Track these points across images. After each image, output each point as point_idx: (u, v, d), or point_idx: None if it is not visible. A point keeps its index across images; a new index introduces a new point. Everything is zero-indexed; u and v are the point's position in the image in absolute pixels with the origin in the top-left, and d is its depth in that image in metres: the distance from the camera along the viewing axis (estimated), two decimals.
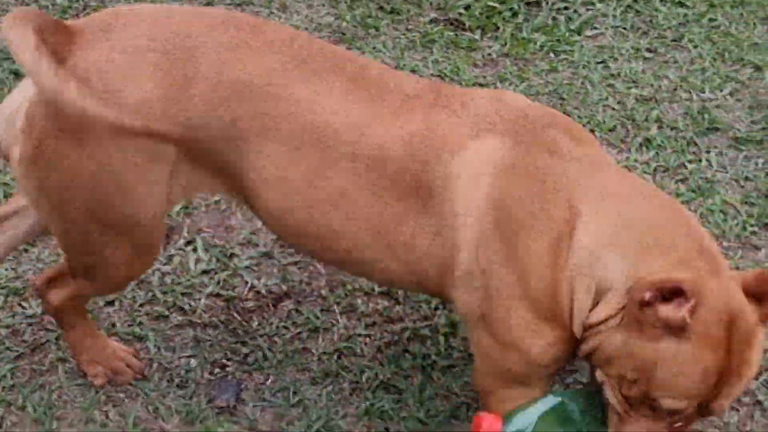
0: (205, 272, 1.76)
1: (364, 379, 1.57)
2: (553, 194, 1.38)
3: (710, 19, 2.49)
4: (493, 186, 1.39)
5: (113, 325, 1.62)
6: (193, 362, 1.60)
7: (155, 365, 1.58)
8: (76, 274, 1.55)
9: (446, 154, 1.38)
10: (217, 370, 1.61)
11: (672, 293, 1.21)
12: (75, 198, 1.42)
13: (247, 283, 1.76)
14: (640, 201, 1.40)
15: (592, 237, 1.35)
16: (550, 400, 1.50)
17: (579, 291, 1.36)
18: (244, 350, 1.64)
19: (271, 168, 1.42)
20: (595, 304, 1.34)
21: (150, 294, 1.70)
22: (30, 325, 1.61)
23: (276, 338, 1.66)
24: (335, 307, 1.72)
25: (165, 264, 1.76)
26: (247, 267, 1.79)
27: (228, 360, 1.61)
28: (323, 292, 1.75)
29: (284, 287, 1.75)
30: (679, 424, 1.37)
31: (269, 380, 1.58)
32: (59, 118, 1.32)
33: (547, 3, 2.47)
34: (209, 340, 1.65)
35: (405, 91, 1.43)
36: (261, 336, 1.65)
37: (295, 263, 1.79)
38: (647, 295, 1.22)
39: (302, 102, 1.40)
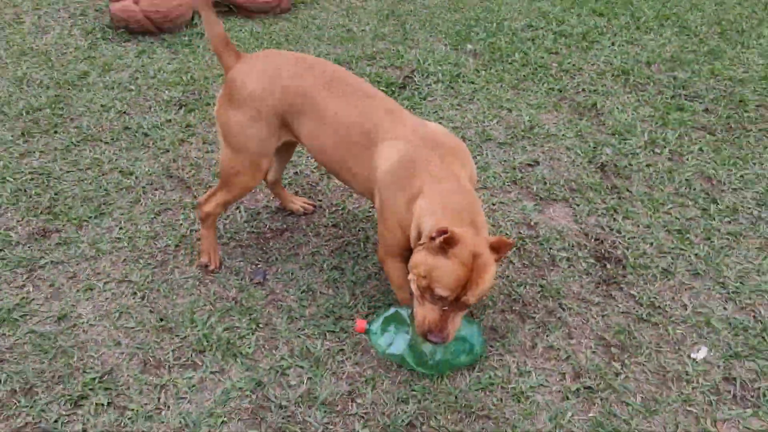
0: (246, 221, 2.79)
1: (326, 266, 2.56)
2: (417, 178, 2.03)
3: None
4: (394, 161, 2.07)
5: None
6: (241, 263, 2.56)
7: (224, 266, 2.55)
8: (222, 187, 2.38)
9: (381, 139, 2.10)
10: (253, 265, 2.55)
11: (443, 232, 1.84)
12: (232, 136, 2.28)
13: (266, 225, 2.77)
14: (453, 195, 2.01)
15: (424, 206, 2.00)
16: (391, 310, 2.18)
17: (414, 228, 2.02)
18: (267, 255, 2.60)
19: (306, 130, 2.22)
20: (419, 235, 1.99)
21: (219, 232, 2.62)
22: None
23: (282, 249, 2.63)
24: (311, 235, 2.73)
25: (227, 218, 2.80)
26: (267, 216, 2.82)
27: (259, 261, 2.58)
28: (306, 229, 2.78)
29: (284, 226, 2.79)
30: (446, 308, 1.93)
31: (279, 269, 2.54)
32: (230, 96, 2.25)
33: (409, 87, 3.71)
34: (250, 252, 2.62)
35: (370, 98, 2.18)
36: (275, 248, 2.64)
37: (288, 217, 2.89)
38: (434, 233, 1.86)
39: (320, 103, 2.17)
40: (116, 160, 3.18)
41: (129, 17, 4.41)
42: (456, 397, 2.09)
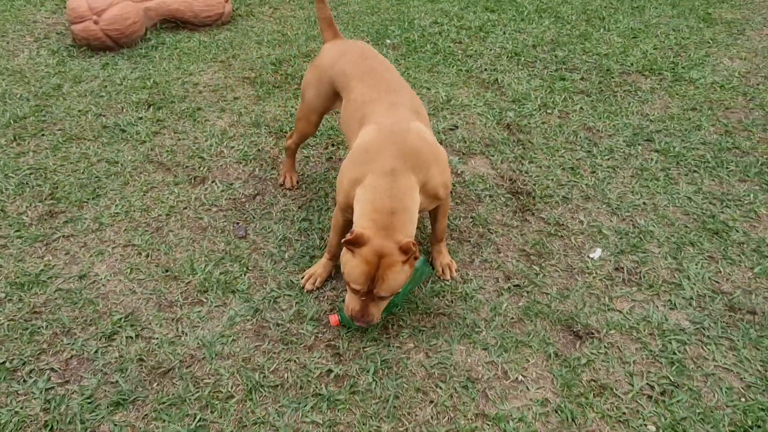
0: (222, 191, 2.93)
1: (296, 219, 2.75)
2: (366, 166, 2.02)
3: None
4: (360, 141, 2.12)
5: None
6: (225, 224, 2.71)
7: (210, 227, 2.71)
8: (296, 130, 2.77)
9: (367, 123, 2.15)
10: (235, 224, 2.71)
11: (360, 240, 1.87)
12: (304, 89, 2.64)
13: (240, 192, 2.92)
14: (383, 197, 1.95)
15: (359, 197, 2.00)
16: None
17: (354, 210, 2.02)
18: (245, 216, 2.76)
19: (342, 103, 2.42)
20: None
21: (201, 203, 2.84)
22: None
23: (257, 210, 2.79)
24: (279, 197, 2.91)
25: (206, 190, 2.96)
26: (239, 186, 2.97)
27: (238, 221, 2.73)
28: (275, 192, 2.98)
29: (256, 192, 2.95)
30: (363, 298, 1.95)
31: (257, 226, 2.71)
32: (315, 61, 2.61)
33: None
34: (230, 215, 2.77)
35: (387, 100, 2.20)
36: (250, 210, 2.80)
37: (259, 185, 3.11)
38: (348, 237, 1.89)
39: (352, 84, 2.33)
40: (101, 152, 3.25)
41: (90, 36, 4.42)
42: (417, 304, 2.34)
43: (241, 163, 3.17)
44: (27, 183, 3.00)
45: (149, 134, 3.40)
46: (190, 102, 3.73)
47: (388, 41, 4.56)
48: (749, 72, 4.10)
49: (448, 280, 2.42)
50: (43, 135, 3.40)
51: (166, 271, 2.48)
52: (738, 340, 2.15)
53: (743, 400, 1.95)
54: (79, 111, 3.63)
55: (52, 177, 3.05)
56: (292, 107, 3.67)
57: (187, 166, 3.13)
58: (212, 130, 3.44)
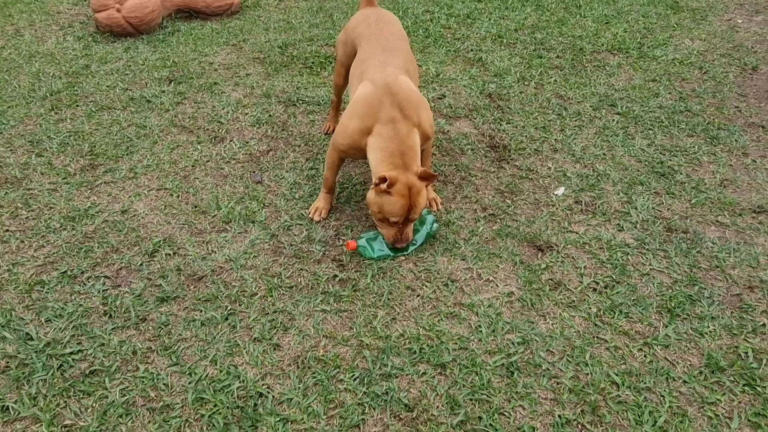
0: (239, 147, 3.37)
1: (304, 168, 3.19)
2: (371, 118, 2.40)
3: None
4: (359, 95, 2.48)
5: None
6: (243, 173, 3.13)
7: (230, 175, 3.22)
8: (333, 82, 3.22)
9: (364, 77, 2.53)
10: (251, 172, 3.14)
11: (383, 179, 2.28)
12: (337, 49, 3.09)
13: (255, 148, 3.36)
14: (391, 140, 2.35)
15: (372, 144, 2.40)
16: (369, 233, 2.57)
17: (368, 155, 2.45)
18: (260, 166, 3.18)
19: (353, 65, 2.77)
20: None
21: (221, 158, 3.35)
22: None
23: (270, 162, 3.22)
24: (289, 151, 3.42)
25: (226, 148, 3.45)
26: (254, 143, 3.42)
27: (254, 170, 3.15)
28: (285, 148, 3.50)
29: (269, 147, 3.44)
30: (399, 227, 2.40)
31: (270, 174, 3.13)
32: (345, 27, 3.03)
33: None
34: (247, 166, 3.19)
35: (381, 59, 2.58)
36: (264, 162, 3.23)
37: (271, 146, 3.57)
38: (377, 180, 2.29)
39: (362, 43, 2.77)
40: (131, 119, 3.71)
41: (113, 23, 4.88)
42: None
43: (254, 126, 3.63)
44: (67, 143, 3.45)
45: (172, 104, 3.85)
46: (207, 78, 4.20)
47: None
48: (707, 50, 4.58)
49: (434, 212, 2.83)
50: (77, 106, 3.86)
51: (195, 207, 2.93)
52: (671, 251, 2.61)
53: (670, 291, 2.41)
54: (108, 86, 4.09)
55: (89, 138, 3.50)
56: (298, 82, 4.13)
57: (207, 129, 3.59)
58: (228, 100, 3.90)
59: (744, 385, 2.02)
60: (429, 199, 2.85)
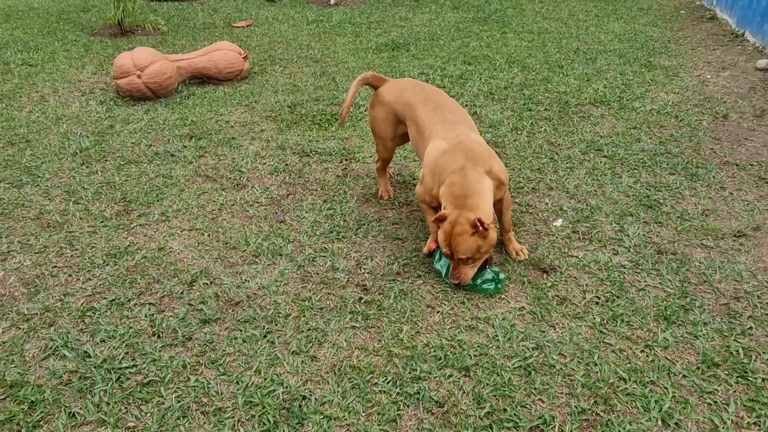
0: (261, 193, 3.71)
1: (323, 209, 3.57)
2: (444, 173, 2.63)
3: None
4: (434, 154, 2.73)
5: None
6: (266, 214, 3.41)
7: (254, 216, 3.53)
8: (378, 157, 3.42)
9: (432, 138, 2.82)
10: (276, 213, 3.41)
11: (442, 217, 2.53)
12: (375, 125, 3.29)
13: (276, 192, 3.68)
14: (455, 185, 2.56)
15: (442, 192, 2.63)
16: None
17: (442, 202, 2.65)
18: (282, 208, 3.44)
19: (408, 127, 3.08)
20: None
21: (246, 202, 3.67)
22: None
23: (291, 204, 3.48)
24: (308, 195, 3.77)
25: (248, 193, 3.77)
26: (275, 188, 3.71)
27: (277, 211, 3.43)
28: (304, 192, 3.80)
29: (288, 192, 3.79)
30: (455, 262, 2.59)
31: (291, 215, 3.49)
32: (375, 102, 3.27)
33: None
34: (270, 209, 3.45)
35: (445, 118, 2.86)
36: (285, 204, 3.53)
37: (291, 188, 3.85)
38: (436, 215, 2.57)
39: (416, 111, 3.01)
40: (157, 170, 4.00)
41: (133, 88, 5.26)
42: (424, 260, 3.05)
43: (273, 174, 3.93)
44: (101, 192, 3.72)
45: (195, 157, 4.16)
46: (224, 134, 4.53)
47: None
48: (681, 102, 5.01)
49: (521, 260, 2.93)
50: (106, 160, 4.15)
51: (226, 243, 3.18)
52: (663, 270, 2.89)
53: (665, 302, 2.67)
54: (133, 143, 4.40)
55: (120, 188, 3.77)
56: (309, 136, 4.47)
57: (229, 178, 3.88)
58: (246, 153, 4.22)
59: (738, 377, 2.25)
60: (515, 249, 2.94)
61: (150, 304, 2.71)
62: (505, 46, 6.67)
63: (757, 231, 3.19)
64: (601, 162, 3.99)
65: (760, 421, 2.06)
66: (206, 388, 2.23)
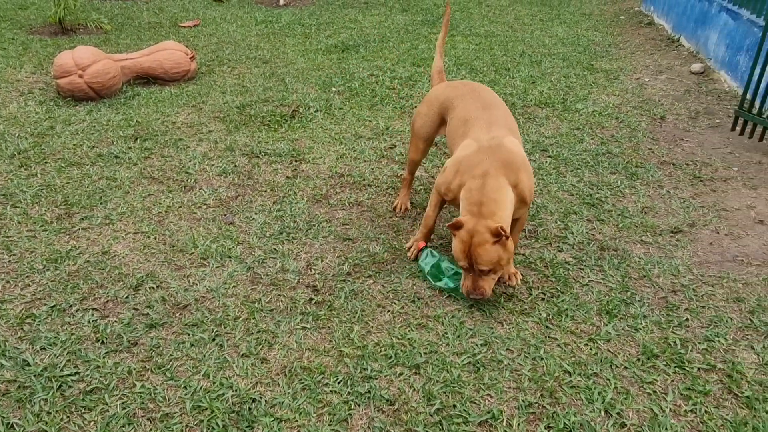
0: (209, 195, 3.70)
1: (273, 210, 3.56)
2: (467, 174, 2.51)
3: None
4: (462, 154, 2.61)
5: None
6: (215, 216, 3.41)
7: (203, 218, 3.47)
8: (408, 160, 3.25)
9: (468, 135, 2.67)
10: (224, 215, 3.34)
11: (458, 224, 2.39)
12: (416, 122, 3.14)
13: (225, 194, 3.66)
14: (475, 191, 2.43)
15: (462, 195, 2.49)
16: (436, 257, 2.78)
17: (461, 204, 2.50)
18: (230, 210, 3.39)
19: (450, 124, 2.88)
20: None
21: (195, 202, 3.61)
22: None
23: (240, 206, 3.43)
24: (257, 196, 3.73)
25: (196, 194, 3.70)
26: (223, 189, 3.69)
27: (226, 213, 3.40)
28: (253, 194, 3.76)
29: (237, 194, 3.75)
30: (471, 274, 2.44)
31: (240, 216, 3.43)
32: (425, 100, 3.14)
33: (297, 116, 4.75)
34: (218, 210, 3.38)
35: (485, 118, 2.70)
36: (234, 206, 3.48)
37: (238, 194, 3.80)
38: (450, 223, 2.42)
39: (457, 105, 2.89)
40: (101, 173, 3.88)
41: (75, 88, 5.08)
42: (373, 257, 3.05)
43: (221, 175, 3.86)
44: (41, 195, 3.58)
45: (140, 158, 4.06)
46: (171, 135, 4.43)
47: (333, 89, 5.44)
48: (621, 104, 5.18)
49: (513, 287, 2.76)
50: (46, 162, 4.00)
51: (173, 246, 3.11)
52: (605, 266, 2.98)
53: (607, 297, 2.75)
54: (74, 144, 4.26)
55: (62, 191, 3.64)
56: (258, 137, 4.42)
57: (176, 179, 3.80)
58: (194, 154, 4.14)
59: (675, 367, 2.34)
60: (509, 273, 2.74)
61: (93, 309, 2.62)
62: (453, 48, 6.76)
63: (693, 227, 3.33)
64: (546, 162, 4.08)
65: (696, 409, 2.15)
66: (153, 394, 2.17)
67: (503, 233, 2.32)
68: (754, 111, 4.44)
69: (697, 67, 6.07)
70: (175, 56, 5.50)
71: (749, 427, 2.07)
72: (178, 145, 4.25)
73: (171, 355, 2.36)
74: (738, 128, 4.59)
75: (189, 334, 2.48)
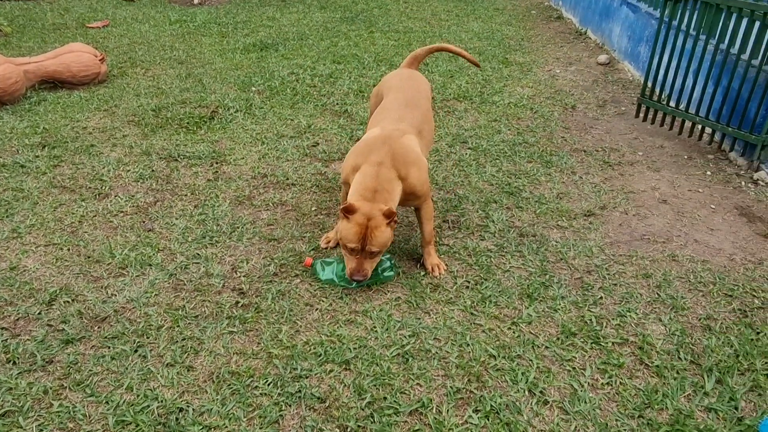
0: (125, 201, 3.58)
1: (194, 214, 3.49)
2: (363, 158, 2.59)
3: None
4: (366, 138, 2.72)
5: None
6: (133, 222, 3.25)
7: (119, 226, 3.34)
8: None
9: (377, 124, 2.80)
10: (143, 222, 3.24)
11: (352, 209, 2.43)
12: (372, 103, 3.28)
13: (143, 200, 3.56)
14: (369, 177, 2.51)
15: (356, 179, 2.55)
16: (328, 259, 2.79)
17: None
18: (149, 216, 3.28)
19: (375, 112, 2.99)
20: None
21: (109, 211, 3.48)
22: None
23: (159, 211, 3.34)
24: (176, 201, 3.63)
25: (111, 203, 3.56)
26: (141, 195, 3.60)
27: (145, 220, 3.32)
28: (172, 198, 3.65)
29: (155, 199, 3.64)
30: (358, 256, 2.49)
31: (161, 222, 3.33)
32: (376, 89, 3.25)
33: (217, 117, 4.66)
34: (137, 216, 3.27)
35: (399, 114, 2.83)
36: (153, 212, 3.38)
37: (156, 200, 3.68)
38: (343, 206, 2.46)
39: (386, 95, 3.05)
40: (5, 184, 3.65)
41: None
42: (300, 256, 3.03)
43: (138, 181, 3.72)
44: None
45: (49, 167, 3.85)
46: (82, 141, 4.23)
47: (253, 89, 5.35)
48: (535, 95, 5.36)
49: (437, 277, 2.82)
50: None
51: (88, 257, 2.97)
52: (525, 251, 3.08)
53: (527, 281, 2.85)
54: None
55: None
56: (177, 140, 4.29)
57: (90, 187, 3.63)
58: (107, 160, 3.97)
59: (592, 343, 2.46)
60: (432, 264, 2.82)
61: (2, 328, 2.47)
62: (373, 45, 6.79)
63: (604, 210, 3.50)
64: (466, 154, 4.17)
65: (612, 381, 2.26)
66: (72, 412, 2.08)
67: (394, 216, 2.48)
68: (655, 98, 4.71)
69: (603, 58, 6.37)
70: (83, 59, 5.25)
71: (659, 394, 2.20)
72: (90, 152, 4.06)
73: (90, 370, 2.26)
74: (641, 115, 4.85)
75: (109, 347, 2.38)
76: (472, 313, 2.61)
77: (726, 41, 4.09)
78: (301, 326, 2.52)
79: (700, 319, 2.61)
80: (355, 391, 2.19)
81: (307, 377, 2.25)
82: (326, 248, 3.04)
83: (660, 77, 4.74)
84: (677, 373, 2.30)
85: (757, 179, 3.87)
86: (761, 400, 2.19)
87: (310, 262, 2.84)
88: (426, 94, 3.11)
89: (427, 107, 3.02)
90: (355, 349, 2.39)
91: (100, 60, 5.36)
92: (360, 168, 2.58)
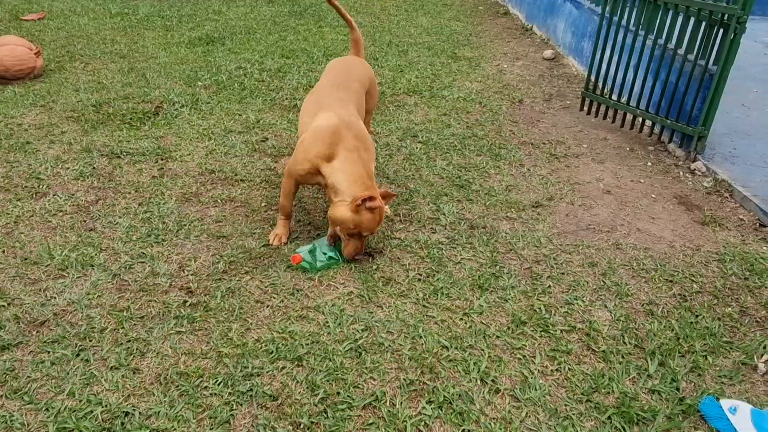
0: (65, 200, 3.40)
1: (139, 212, 3.36)
2: (336, 145, 2.63)
3: None
4: (323, 124, 2.68)
5: None
6: (73, 222, 3.17)
7: (59, 226, 3.18)
8: None
9: (323, 108, 2.77)
10: (84, 221, 3.12)
11: (369, 198, 2.53)
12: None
13: (83, 199, 3.43)
14: (356, 166, 2.61)
15: (337, 167, 2.60)
16: (310, 245, 2.81)
17: (328, 179, 2.63)
18: (91, 215, 3.17)
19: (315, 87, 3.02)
20: (334, 189, 2.61)
21: (47, 211, 3.32)
22: None
23: (101, 210, 3.22)
24: (120, 198, 3.51)
25: (51, 203, 3.40)
26: (81, 194, 3.47)
27: (86, 219, 3.20)
28: (115, 196, 3.52)
29: (97, 198, 3.51)
30: (356, 238, 2.67)
31: (103, 221, 3.23)
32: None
33: (162, 113, 4.52)
34: (77, 216, 3.16)
35: (338, 96, 2.86)
36: (95, 210, 3.29)
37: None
38: (359, 201, 2.52)
39: (324, 77, 3.08)
40: None
41: None
42: (250, 253, 2.97)
43: (78, 179, 3.58)
44: None
45: None
46: (17, 138, 4.04)
47: (200, 83, 5.22)
48: (483, 89, 5.42)
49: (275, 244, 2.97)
50: None
51: (25, 259, 2.84)
52: (476, 243, 3.10)
53: (478, 272, 2.87)
54: None
55: None
56: (119, 137, 4.14)
57: (25, 186, 3.47)
58: (45, 158, 3.80)
59: (541, 332, 2.50)
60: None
61: None
62: (322, 39, 6.73)
63: (551, 201, 3.56)
64: (417, 148, 4.18)
65: (561, 368, 2.30)
66: (9, 422, 1.98)
67: (393, 194, 2.76)
68: (598, 92, 4.83)
69: (548, 53, 6.49)
70: (17, 52, 5.02)
71: (606, 378, 2.26)
72: (25, 149, 3.89)
73: (29, 376, 2.16)
74: (585, 108, 4.97)
75: (49, 352, 2.28)
76: (424, 306, 2.61)
77: (664, 36, 4.23)
78: (251, 324, 2.47)
79: (643, 305, 2.68)
80: (307, 388, 2.16)
81: (258, 375, 2.21)
82: (281, 246, 2.97)
83: (602, 71, 4.86)
84: (622, 357, 2.37)
85: (694, 169, 4.02)
86: (701, 380, 2.27)
87: (300, 258, 2.77)
88: (359, 77, 3.15)
89: (356, 88, 3.06)
90: (307, 345, 2.36)
91: (35, 54, 5.13)
92: (336, 156, 2.62)
